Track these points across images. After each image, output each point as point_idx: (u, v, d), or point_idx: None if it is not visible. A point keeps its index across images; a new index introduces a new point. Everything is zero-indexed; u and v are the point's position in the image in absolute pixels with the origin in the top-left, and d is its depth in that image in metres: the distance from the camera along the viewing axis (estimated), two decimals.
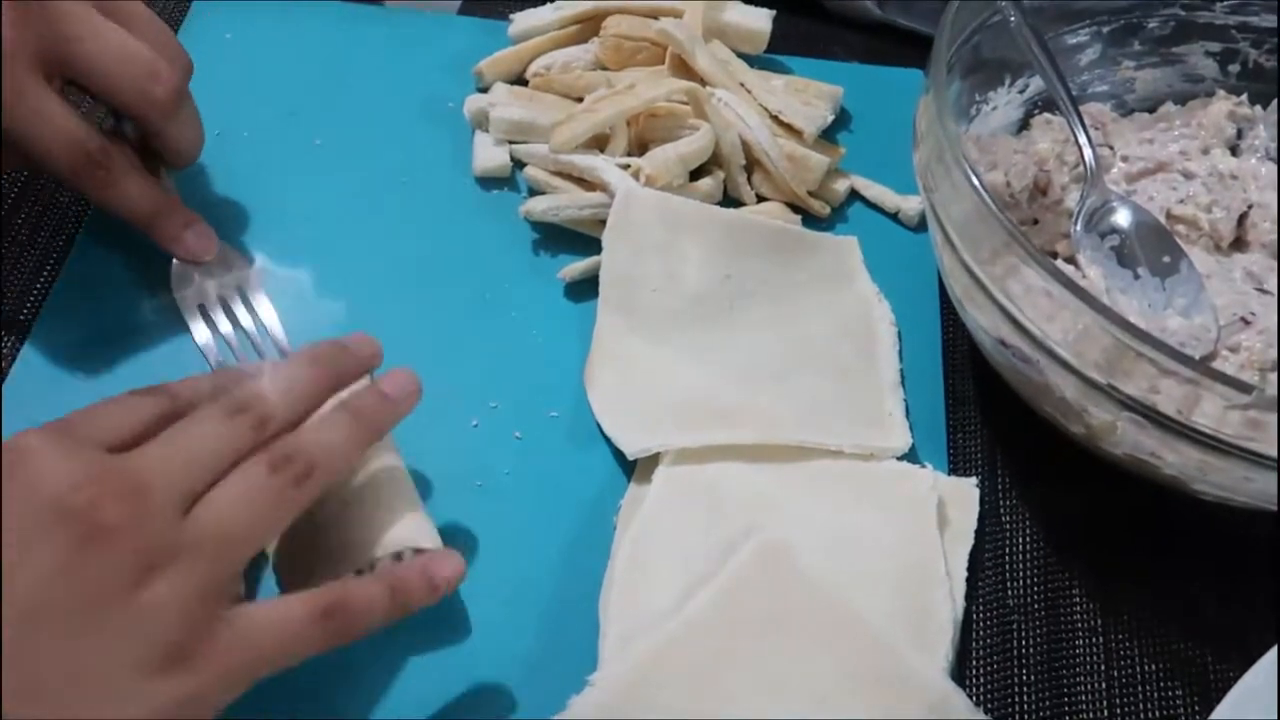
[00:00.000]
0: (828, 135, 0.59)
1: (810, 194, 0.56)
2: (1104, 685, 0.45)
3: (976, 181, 0.42)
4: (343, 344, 0.41)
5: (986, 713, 0.43)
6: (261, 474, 0.35)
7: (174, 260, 0.49)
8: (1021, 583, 0.47)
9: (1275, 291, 0.50)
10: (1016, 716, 0.44)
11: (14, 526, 0.31)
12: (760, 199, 0.56)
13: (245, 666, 0.34)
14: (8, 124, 0.42)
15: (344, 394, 0.40)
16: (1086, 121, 0.51)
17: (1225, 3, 0.55)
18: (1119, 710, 0.44)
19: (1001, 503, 0.49)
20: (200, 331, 0.48)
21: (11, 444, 0.33)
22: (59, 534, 0.32)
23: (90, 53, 0.43)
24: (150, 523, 0.33)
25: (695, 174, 0.55)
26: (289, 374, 0.39)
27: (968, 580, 0.45)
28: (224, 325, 0.49)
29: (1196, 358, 0.43)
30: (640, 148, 0.55)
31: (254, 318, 0.49)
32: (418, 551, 0.40)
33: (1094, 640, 0.46)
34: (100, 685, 0.32)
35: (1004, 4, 0.50)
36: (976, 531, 0.47)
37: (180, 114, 0.46)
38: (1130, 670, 0.45)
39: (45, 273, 0.51)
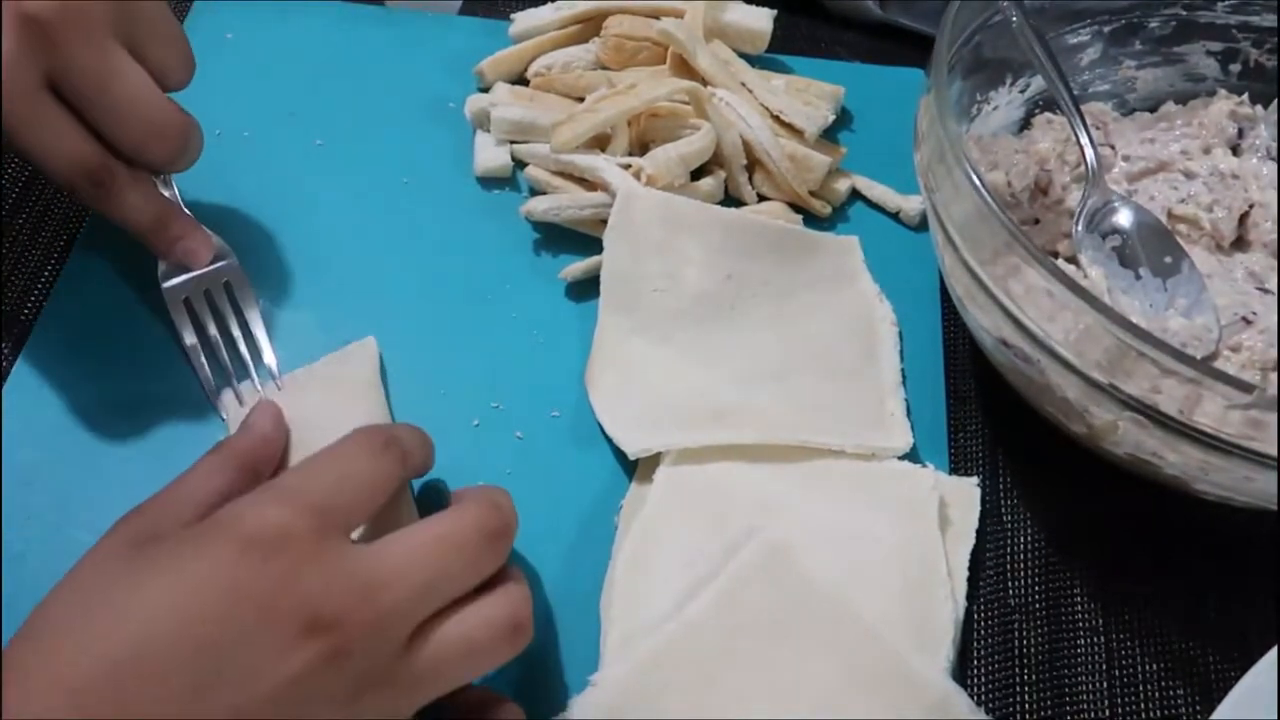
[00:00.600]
0: (829, 135, 0.59)
1: (811, 194, 0.56)
2: (1105, 685, 0.45)
3: (978, 181, 0.42)
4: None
5: (988, 712, 0.43)
6: (502, 629, 0.36)
7: (160, 265, 0.49)
8: (1023, 582, 0.47)
9: (1276, 291, 0.50)
10: (1018, 716, 0.44)
11: (276, 623, 0.32)
12: (761, 199, 0.56)
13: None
14: (9, 134, 0.41)
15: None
16: (1088, 121, 0.51)
17: (1226, 2, 0.55)
18: (1120, 710, 0.44)
19: (1003, 502, 0.49)
20: (187, 332, 0.48)
21: (271, 522, 0.33)
22: (307, 646, 0.32)
23: (99, 94, 0.42)
24: (384, 648, 0.33)
25: (696, 174, 0.55)
26: (510, 506, 0.39)
27: (969, 580, 0.45)
28: (210, 326, 0.48)
29: (1198, 358, 0.43)
30: (641, 148, 0.55)
31: (239, 318, 0.49)
32: None
33: (1095, 640, 0.46)
34: None
35: (1005, 4, 0.50)
36: (978, 531, 0.47)
37: (180, 161, 0.46)
38: (1131, 670, 0.45)
39: (46, 272, 0.51)
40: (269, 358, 0.48)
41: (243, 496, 0.35)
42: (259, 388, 0.47)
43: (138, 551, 0.34)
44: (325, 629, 0.32)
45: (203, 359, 0.48)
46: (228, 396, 0.47)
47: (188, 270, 0.48)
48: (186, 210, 0.49)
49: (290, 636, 0.32)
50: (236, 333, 0.48)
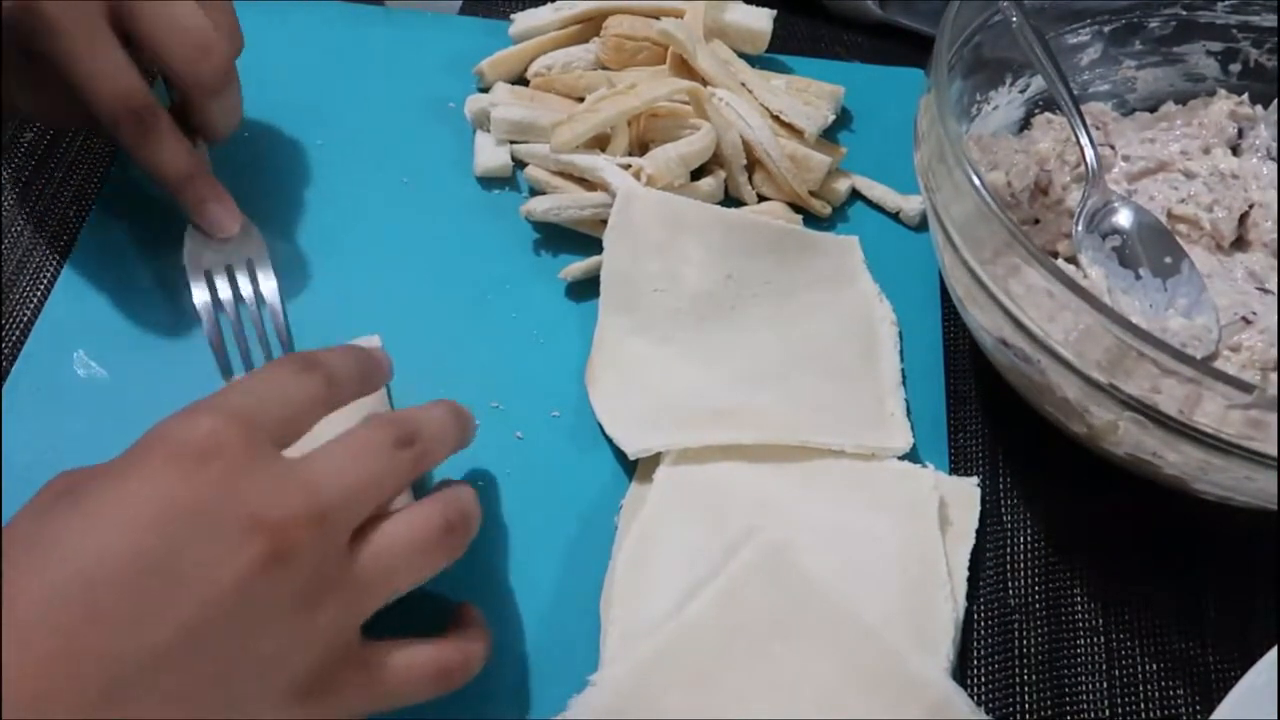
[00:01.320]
0: (829, 135, 0.59)
1: (811, 194, 0.56)
2: (1105, 685, 0.45)
3: (978, 181, 0.42)
4: (467, 411, 0.42)
5: (988, 712, 0.43)
6: (435, 527, 0.37)
7: (189, 229, 0.49)
8: (1023, 582, 0.47)
9: (1276, 291, 0.50)
10: (1018, 716, 0.44)
11: (215, 528, 0.32)
12: (761, 199, 0.56)
13: (369, 704, 0.36)
14: (66, 62, 0.42)
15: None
16: (1088, 121, 0.51)
17: (1226, 2, 0.55)
18: (1120, 710, 0.44)
19: (1003, 502, 0.49)
20: (200, 294, 0.48)
21: (201, 431, 0.33)
22: (250, 547, 0.32)
23: (151, 14, 0.43)
24: (326, 550, 0.34)
25: (696, 174, 0.55)
26: (444, 419, 0.40)
27: (969, 580, 0.45)
28: (224, 292, 0.48)
29: (1198, 358, 0.43)
30: (641, 148, 0.55)
31: (255, 290, 0.49)
32: None
33: (1095, 640, 0.46)
34: (245, 702, 0.32)
35: (1005, 4, 0.50)
36: (978, 531, 0.47)
37: (224, 93, 0.47)
38: (1132, 670, 0.45)
39: (46, 273, 0.51)
40: (280, 327, 0.48)
41: (171, 415, 0.34)
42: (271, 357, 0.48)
43: (71, 487, 0.33)
44: (267, 530, 0.32)
45: (216, 323, 0.48)
46: (237, 363, 0.47)
47: (212, 237, 0.49)
48: (219, 182, 0.49)
49: (232, 541, 0.31)
50: (251, 299, 0.48)
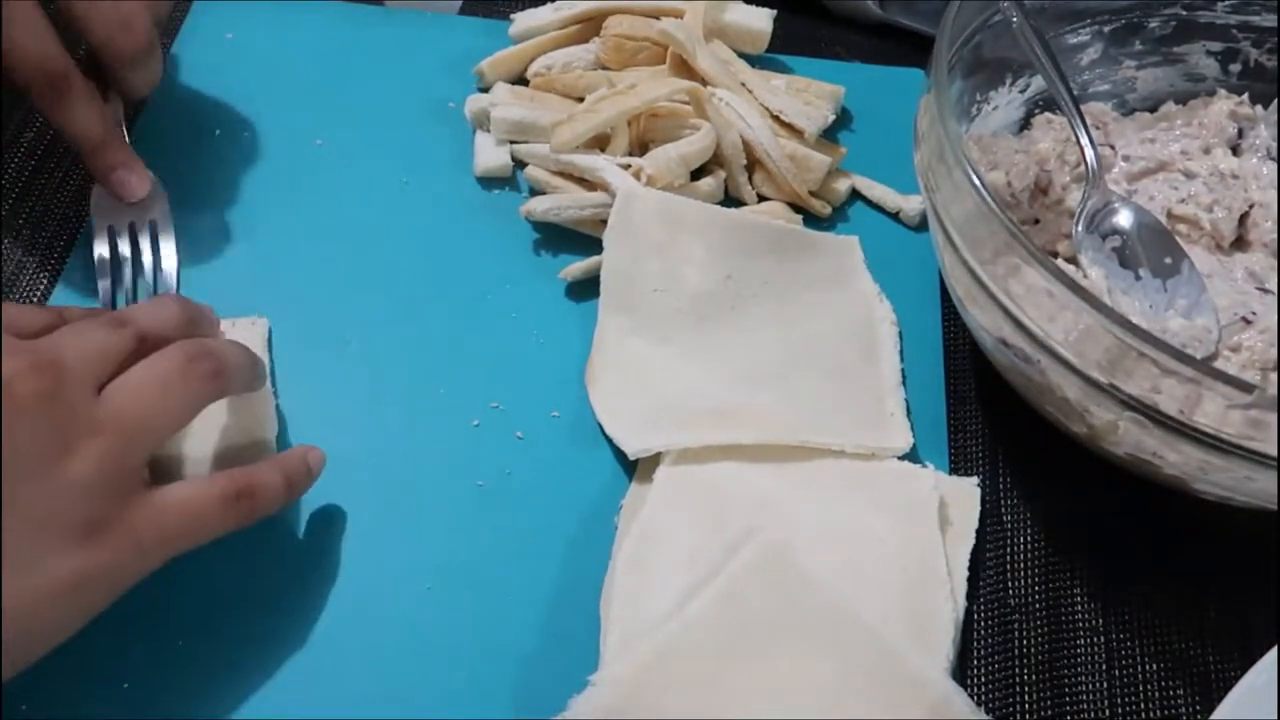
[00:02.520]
0: (829, 135, 0.59)
1: (811, 194, 0.56)
2: (1105, 685, 0.45)
3: (978, 181, 0.42)
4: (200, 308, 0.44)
5: (988, 712, 0.43)
6: (178, 361, 0.38)
7: (95, 188, 0.50)
8: (1023, 582, 0.47)
9: (1276, 291, 0.50)
10: (1018, 716, 0.44)
11: None
12: (761, 199, 0.56)
13: (158, 541, 0.37)
14: None
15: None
16: (1088, 121, 0.51)
17: (1226, 2, 0.55)
18: (1120, 710, 0.44)
19: (1003, 502, 0.49)
20: (100, 248, 0.49)
21: None
22: None
23: None
24: (67, 396, 0.35)
25: (696, 174, 0.55)
26: (236, 346, 0.41)
27: (969, 580, 0.45)
28: (124, 249, 0.50)
29: (1198, 358, 0.43)
30: (641, 148, 0.55)
31: (154, 253, 0.50)
32: None
33: (1095, 640, 0.46)
34: (17, 553, 0.33)
35: (1005, 4, 0.50)
36: (978, 531, 0.46)
37: (144, 62, 0.48)
38: (1132, 670, 0.45)
39: (46, 273, 0.51)
40: (170, 276, 0.50)
41: None
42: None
43: None
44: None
45: (108, 273, 0.49)
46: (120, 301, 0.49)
47: (120, 200, 0.50)
48: (130, 148, 0.50)
49: None
50: (147, 253, 0.50)
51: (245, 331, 0.48)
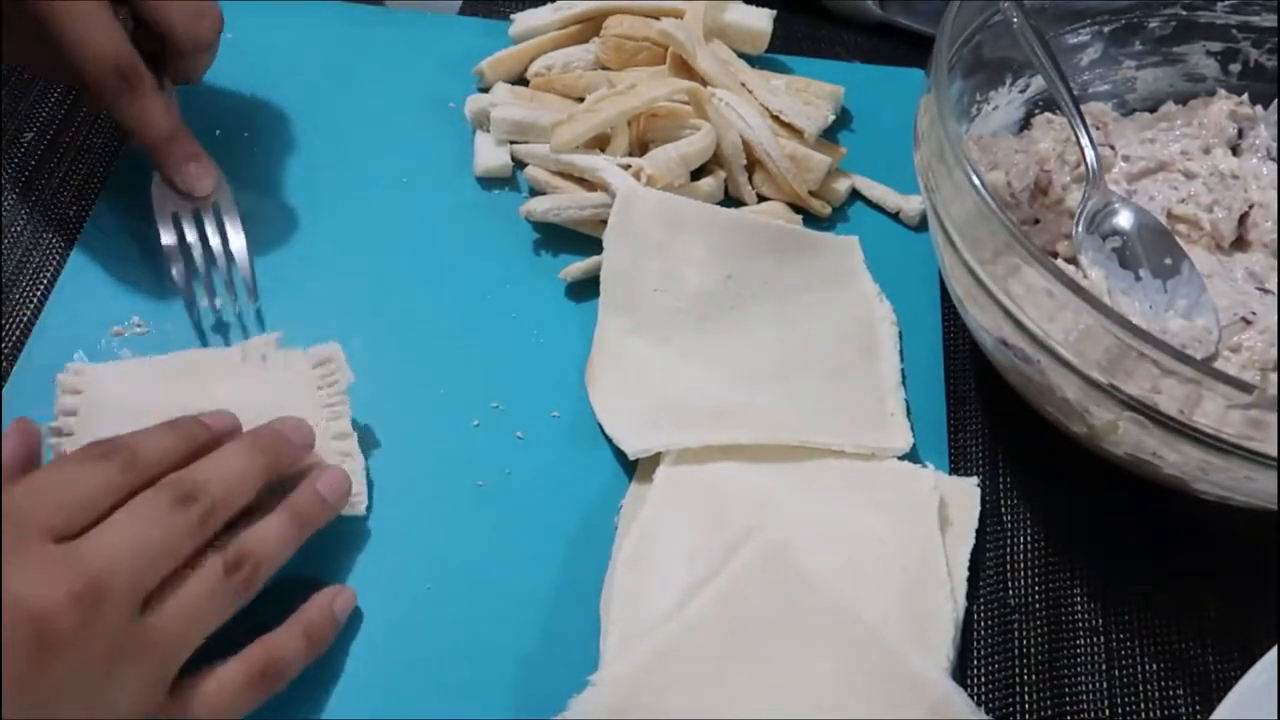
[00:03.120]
0: (829, 135, 0.59)
1: (811, 194, 0.56)
2: (1105, 685, 0.45)
3: (978, 181, 0.42)
4: (284, 433, 0.42)
5: (988, 712, 0.43)
6: (218, 576, 0.37)
7: (155, 178, 0.50)
8: (1022, 582, 0.47)
9: (1276, 291, 0.50)
10: (1018, 716, 0.44)
11: None
12: (761, 199, 0.56)
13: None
14: (56, 20, 0.43)
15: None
16: (1088, 121, 0.51)
17: (1226, 2, 0.55)
18: (1120, 710, 0.44)
19: (1003, 502, 0.49)
20: (168, 237, 0.49)
21: None
22: (21, 639, 0.32)
23: None
24: (108, 624, 0.34)
25: (696, 174, 0.55)
26: (237, 464, 0.39)
27: (969, 580, 0.45)
28: (191, 235, 0.49)
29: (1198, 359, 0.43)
30: (641, 148, 0.55)
31: (222, 239, 0.50)
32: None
33: (1095, 640, 0.46)
34: None
35: (1006, 4, 0.50)
36: (978, 531, 0.47)
37: (213, 46, 0.49)
38: (1131, 670, 0.45)
39: (46, 273, 0.51)
40: (244, 266, 0.49)
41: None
42: (234, 297, 0.49)
43: None
44: (33, 620, 0.32)
45: (180, 262, 0.49)
46: (200, 296, 0.49)
47: (188, 195, 0.49)
48: (198, 142, 0.50)
49: (4, 635, 0.32)
50: (215, 240, 0.49)
51: (325, 374, 0.46)
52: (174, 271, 0.49)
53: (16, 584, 0.33)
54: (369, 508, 0.45)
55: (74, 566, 0.34)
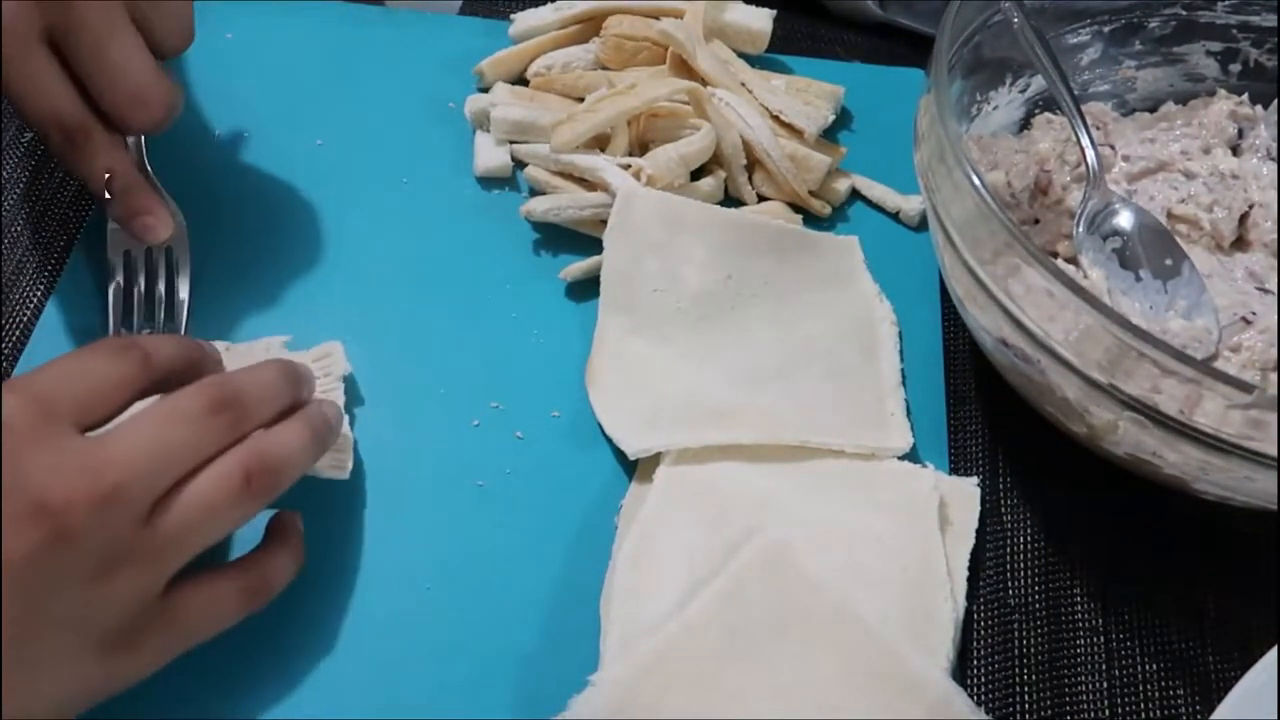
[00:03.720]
0: (829, 135, 0.59)
1: (811, 194, 0.56)
2: (1105, 685, 0.45)
3: (978, 181, 0.42)
4: (307, 369, 0.43)
5: (988, 712, 0.43)
6: (235, 481, 0.36)
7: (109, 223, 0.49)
8: (1022, 582, 0.47)
9: (1276, 291, 0.50)
10: (1018, 716, 0.44)
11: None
12: (761, 199, 0.56)
13: (179, 644, 0.37)
14: (4, 85, 0.43)
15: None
16: (1088, 121, 0.51)
17: (1226, 2, 0.55)
18: (1120, 710, 0.44)
19: (1003, 502, 0.49)
20: (115, 275, 0.48)
21: None
22: (31, 529, 0.32)
23: (89, 52, 0.43)
24: (117, 526, 0.34)
25: (696, 174, 0.55)
26: (270, 381, 0.40)
27: (969, 580, 0.45)
28: (140, 280, 0.49)
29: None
30: (641, 148, 0.55)
31: (168, 288, 0.49)
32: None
33: (1095, 640, 0.46)
34: (42, 661, 0.33)
35: (1006, 4, 0.50)
36: (978, 531, 0.46)
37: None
38: (1131, 670, 0.45)
39: (46, 273, 0.51)
40: (181, 318, 0.49)
41: None
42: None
43: None
44: (48, 513, 0.32)
45: (119, 301, 0.48)
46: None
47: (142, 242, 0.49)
48: (154, 181, 0.49)
49: (15, 523, 0.32)
50: (161, 289, 0.49)
51: (323, 365, 0.47)
52: (109, 306, 0.48)
53: (41, 471, 0.33)
54: (366, 508, 0.45)
55: (97, 467, 0.34)
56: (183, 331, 0.48)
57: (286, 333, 0.48)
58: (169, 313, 0.49)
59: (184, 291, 0.49)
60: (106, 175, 0.46)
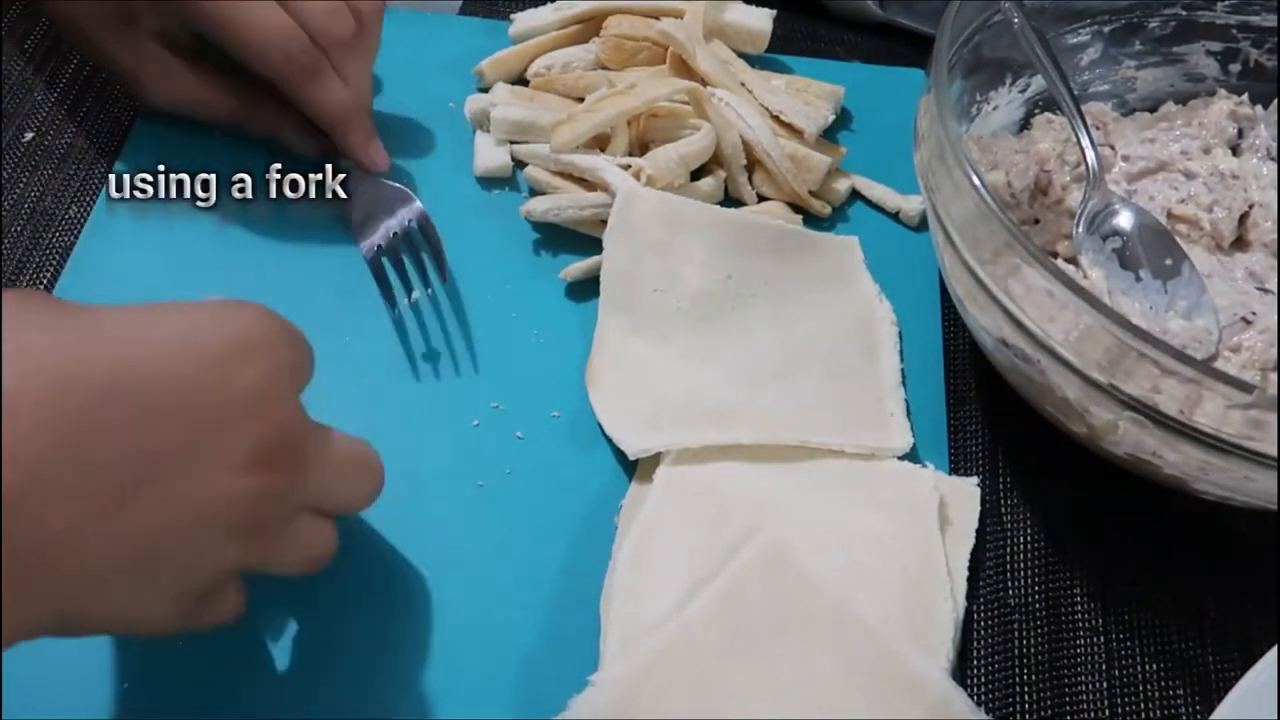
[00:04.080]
0: (829, 135, 0.59)
1: (811, 194, 0.56)
2: (1105, 685, 0.45)
3: (978, 181, 0.42)
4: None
5: (988, 712, 0.43)
6: (320, 555, 0.38)
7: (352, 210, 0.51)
8: (1022, 582, 0.47)
9: (1276, 291, 0.50)
10: (1018, 716, 0.44)
11: (234, 434, 0.32)
12: (761, 199, 0.56)
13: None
14: (222, 20, 0.46)
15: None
16: (1088, 121, 0.51)
17: (1226, 2, 0.55)
18: (1120, 710, 0.44)
19: (1003, 502, 0.49)
20: (383, 276, 0.50)
21: (259, 323, 0.34)
22: (250, 478, 0.33)
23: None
24: (291, 507, 0.35)
25: (696, 174, 0.55)
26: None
27: (969, 580, 0.45)
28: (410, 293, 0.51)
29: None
30: (641, 148, 0.55)
31: (427, 253, 0.51)
32: None
33: (1095, 640, 0.46)
34: (180, 553, 0.33)
35: (1006, 4, 0.50)
36: (977, 531, 0.47)
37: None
38: (1131, 670, 0.45)
39: (46, 274, 0.51)
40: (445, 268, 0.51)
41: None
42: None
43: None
44: (271, 469, 0.33)
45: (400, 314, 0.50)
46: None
47: (376, 218, 0.51)
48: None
49: (235, 462, 0.32)
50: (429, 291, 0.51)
51: None
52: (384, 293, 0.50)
53: (273, 430, 0.33)
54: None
55: (316, 449, 0.36)
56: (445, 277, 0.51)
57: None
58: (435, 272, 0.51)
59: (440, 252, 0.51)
60: (336, 105, 0.49)
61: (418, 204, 0.52)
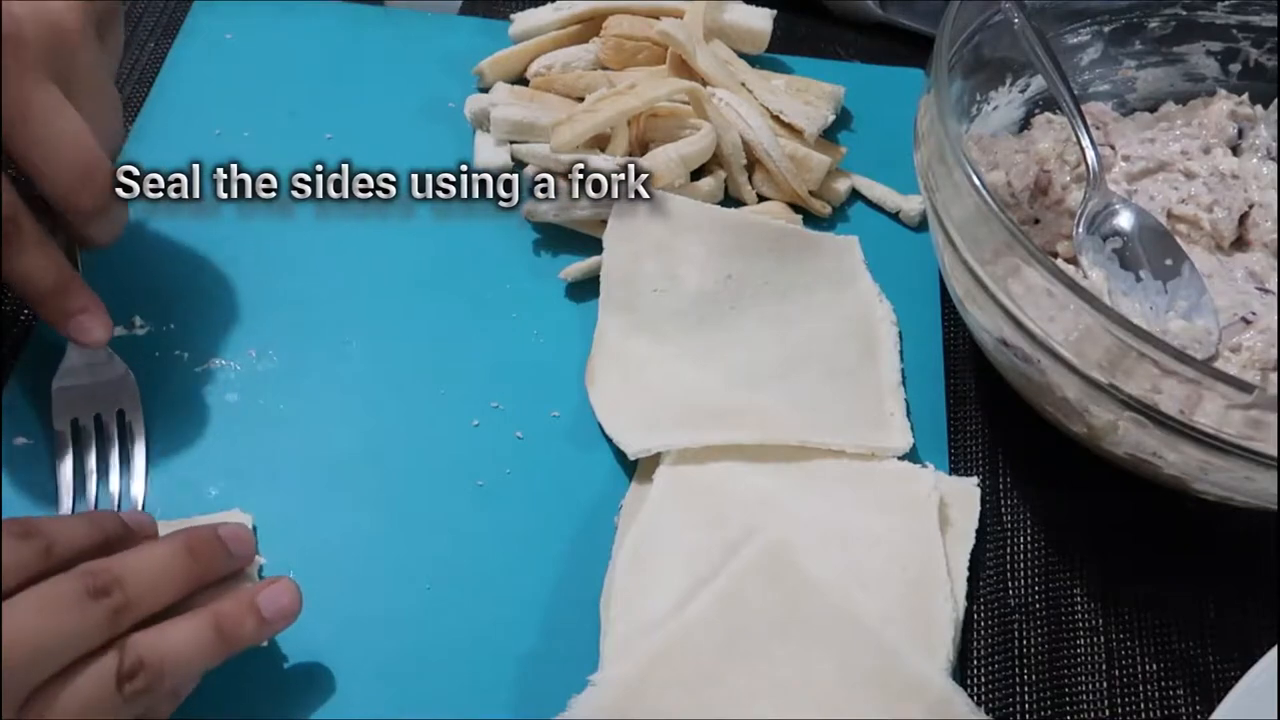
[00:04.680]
0: (829, 135, 0.59)
1: (811, 194, 0.56)
2: (1105, 685, 0.45)
3: (978, 181, 0.42)
4: (223, 540, 0.39)
5: (988, 712, 0.43)
6: (108, 683, 0.34)
7: (58, 373, 0.46)
8: (1022, 582, 0.47)
9: (1276, 291, 0.50)
10: (1018, 716, 0.44)
11: None
12: (761, 199, 0.56)
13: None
14: None
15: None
16: (1088, 121, 0.51)
17: (1226, 2, 0.55)
18: (1120, 710, 0.44)
19: (1003, 502, 0.49)
20: (64, 458, 0.44)
21: None
22: None
23: (30, 136, 0.39)
24: None
25: (696, 174, 0.55)
26: (162, 562, 0.37)
27: (969, 580, 0.45)
28: (90, 458, 0.45)
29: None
30: (641, 148, 0.55)
31: (123, 447, 0.45)
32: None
33: (1095, 640, 0.46)
34: None
35: (1006, 4, 0.50)
36: (978, 531, 0.46)
37: (107, 211, 0.42)
38: (1131, 670, 0.45)
39: None
40: (138, 491, 0.45)
41: None
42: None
43: None
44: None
45: (69, 468, 0.44)
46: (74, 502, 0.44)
47: (81, 378, 0.46)
48: (90, 290, 0.44)
49: None
50: (115, 467, 0.45)
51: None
52: (58, 479, 0.44)
53: None
54: (366, 508, 0.45)
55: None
56: (141, 495, 0.45)
57: (283, 334, 0.48)
58: (124, 476, 0.45)
59: (139, 458, 0.45)
60: (36, 277, 0.41)
61: (126, 376, 0.46)
